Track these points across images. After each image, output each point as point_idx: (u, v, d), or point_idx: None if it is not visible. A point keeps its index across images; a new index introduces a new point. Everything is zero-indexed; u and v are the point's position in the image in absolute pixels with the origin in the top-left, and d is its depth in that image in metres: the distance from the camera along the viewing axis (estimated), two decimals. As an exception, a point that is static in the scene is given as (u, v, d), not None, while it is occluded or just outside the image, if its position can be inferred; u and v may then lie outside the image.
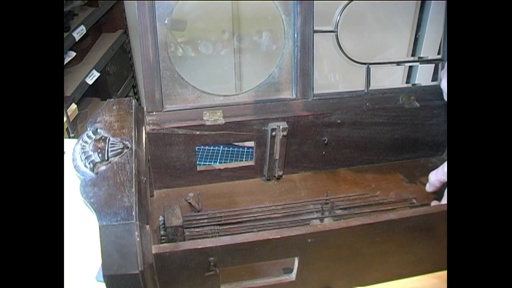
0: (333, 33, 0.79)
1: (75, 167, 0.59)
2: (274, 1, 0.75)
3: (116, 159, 0.59)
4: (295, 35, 0.76)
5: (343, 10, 0.78)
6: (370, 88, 0.83)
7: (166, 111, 0.76)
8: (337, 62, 0.84)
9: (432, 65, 0.89)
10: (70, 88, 1.74)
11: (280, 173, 0.84)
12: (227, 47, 1.80)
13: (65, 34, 1.66)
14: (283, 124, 0.78)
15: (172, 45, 0.75)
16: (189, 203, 0.78)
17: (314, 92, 0.80)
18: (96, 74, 1.87)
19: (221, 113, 0.77)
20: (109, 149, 0.60)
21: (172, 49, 0.74)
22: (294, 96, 0.80)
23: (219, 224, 0.74)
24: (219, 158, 1.16)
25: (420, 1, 1.57)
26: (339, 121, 0.82)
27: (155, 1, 0.70)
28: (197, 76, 0.80)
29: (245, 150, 1.16)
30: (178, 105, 0.76)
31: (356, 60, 0.81)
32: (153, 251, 0.51)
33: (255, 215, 0.76)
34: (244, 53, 1.86)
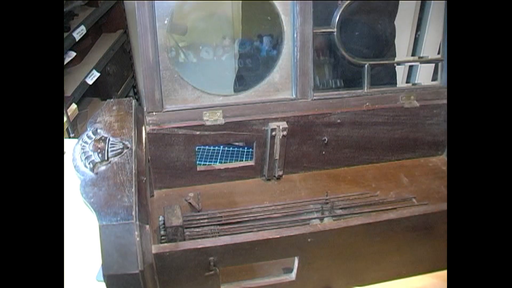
0: (333, 33, 0.79)
1: (75, 167, 0.59)
2: (274, 1, 0.75)
3: (116, 159, 0.59)
4: (295, 35, 0.76)
5: (343, 10, 0.78)
6: (370, 88, 0.83)
7: (166, 111, 0.76)
8: (337, 61, 0.84)
9: (432, 65, 0.89)
10: (70, 88, 1.74)
11: (280, 173, 0.84)
12: (228, 52, 1.80)
13: (65, 34, 1.66)
14: (283, 124, 0.78)
15: (173, 50, 0.75)
16: (189, 203, 0.78)
17: (314, 92, 0.80)
18: (96, 74, 1.87)
19: (221, 113, 0.77)
20: (109, 149, 0.60)
21: (174, 53, 0.74)
22: (294, 96, 0.80)
23: (219, 224, 0.74)
24: (219, 158, 1.16)
25: (420, 1, 1.57)
26: (339, 121, 0.82)
27: (155, 2, 0.70)
28: (198, 79, 0.80)
29: (245, 150, 1.16)
30: (178, 105, 0.76)
31: (356, 60, 0.81)
32: (153, 251, 0.51)
33: (255, 215, 0.76)
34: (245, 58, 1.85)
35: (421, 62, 0.90)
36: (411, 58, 1.25)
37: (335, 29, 0.78)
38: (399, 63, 0.87)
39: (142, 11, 0.70)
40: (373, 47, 1.07)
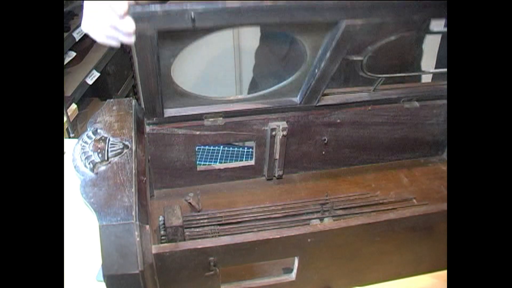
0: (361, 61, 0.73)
1: (75, 167, 0.59)
2: (300, 38, 0.67)
3: (116, 159, 0.59)
4: (321, 64, 0.69)
5: (379, 44, 0.71)
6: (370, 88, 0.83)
7: (166, 117, 0.74)
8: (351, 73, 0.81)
9: (432, 65, 0.89)
10: (70, 88, 1.74)
11: (280, 173, 0.84)
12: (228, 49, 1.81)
13: (65, 34, 1.66)
14: (283, 124, 0.78)
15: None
16: (189, 203, 0.78)
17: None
18: (96, 74, 1.87)
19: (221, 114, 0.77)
20: (109, 149, 0.61)
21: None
22: (299, 102, 0.77)
23: (219, 224, 0.74)
24: (219, 158, 1.16)
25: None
26: (339, 121, 0.82)
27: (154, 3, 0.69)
28: (198, 84, 0.78)
29: (245, 150, 1.17)
30: (178, 109, 0.74)
31: (372, 73, 0.76)
32: (153, 251, 0.51)
33: (255, 215, 0.76)
34: (244, 55, 1.87)
35: (429, 73, 0.88)
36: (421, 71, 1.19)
37: (363, 58, 0.73)
38: (410, 76, 0.84)
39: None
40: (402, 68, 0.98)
